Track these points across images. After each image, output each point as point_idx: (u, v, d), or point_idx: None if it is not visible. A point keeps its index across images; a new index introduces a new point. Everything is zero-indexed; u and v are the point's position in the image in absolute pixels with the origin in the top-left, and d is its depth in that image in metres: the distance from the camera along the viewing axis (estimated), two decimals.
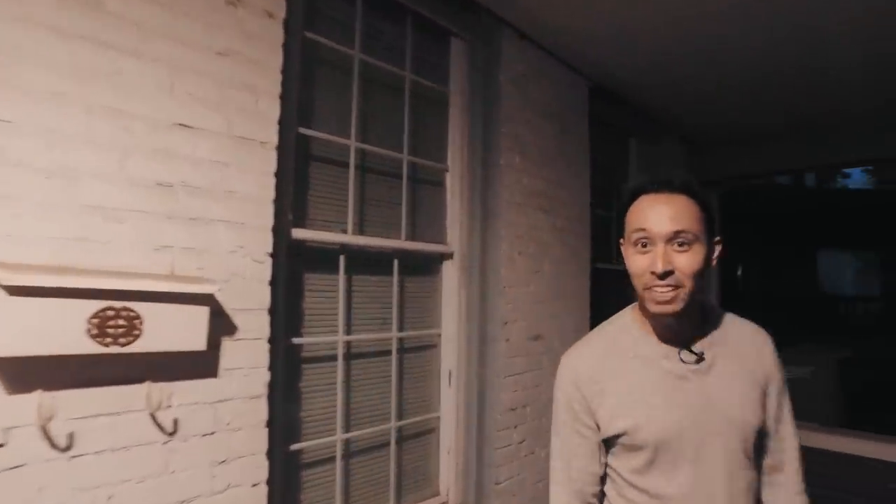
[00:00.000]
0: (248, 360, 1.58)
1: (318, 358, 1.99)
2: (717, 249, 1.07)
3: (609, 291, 3.55)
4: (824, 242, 11.16)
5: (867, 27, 2.61)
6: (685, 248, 1.00)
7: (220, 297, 1.51)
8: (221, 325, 1.52)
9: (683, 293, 1.00)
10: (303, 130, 1.92)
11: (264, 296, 1.62)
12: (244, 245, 1.58)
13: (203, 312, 1.41)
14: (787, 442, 1.11)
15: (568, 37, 2.69)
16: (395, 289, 2.24)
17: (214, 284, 1.45)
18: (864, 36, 2.73)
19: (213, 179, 1.52)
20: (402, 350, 2.29)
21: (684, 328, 1.07)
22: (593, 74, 3.12)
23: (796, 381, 4.55)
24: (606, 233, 3.70)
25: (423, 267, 2.41)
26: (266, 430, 1.61)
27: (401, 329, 2.27)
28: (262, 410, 1.60)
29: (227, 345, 1.54)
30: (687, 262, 0.99)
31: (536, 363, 2.67)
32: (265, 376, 1.61)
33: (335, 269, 2.04)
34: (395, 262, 2.24)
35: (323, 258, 2.02)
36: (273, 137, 1.66)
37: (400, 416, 2.25)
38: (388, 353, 2.23)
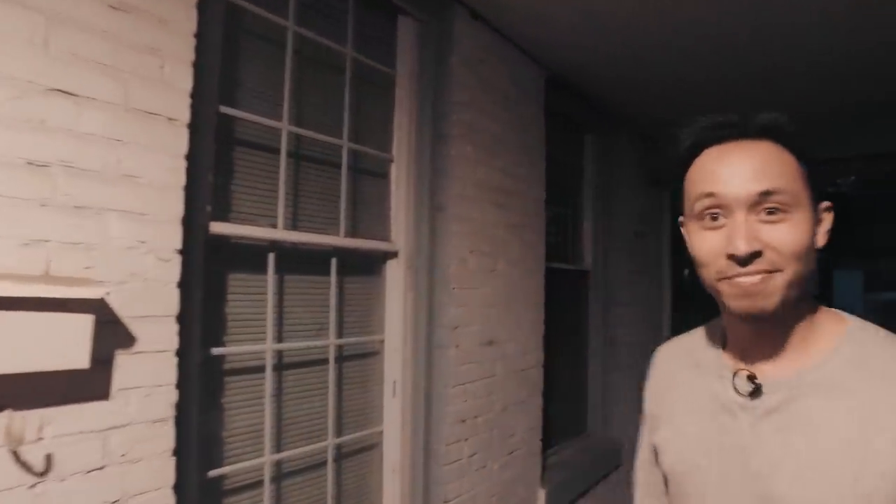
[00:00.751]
0: (149, 376, 1.32)
1: (242, 370, 1.74)
2: (828, 220, 0.73)
3: (564, 293, 3.42)
4: None
5: (829, 31, 2.56)
6: (779, 216, 0.68)
7: (112, 303, 1.25)
8: (115, 335, 1.26)
9: (783, 281, 0.67)
10: (225, 109, 1.66)
11: (171, 300, 1.36)
12: (146, 240, 1.32)
13: (86, 322, 1.15)
14: None
15: (525, 19, 2.52)
16: (333, 291, 2.01)
17: (102, 287, 1.19)
18: (825, 41, 2.69)
19: (104, 160, 1.26)
20: (341, 359, 2.06)
21: (768, 341, 0.73)
22: (551, 63, 2.96)
23: None
24: (562, 230, 3.58)
25: (365, 267, 2.19)
26: (173, 458, 1.36)
27: (339, 335, 2.04)
28: (167, 436, 1.35)
29: (122, 360, 1.28)
30: (783, 236, 0.67)
31: (489, 370, 2.49)
32: (172, 395, 1.36)
33: (263, 269, 1.79)
34: (334, 262, 2.01)
35: (249, 257, 1.77)
36: (184, 113, 1.40)
37: (338, 433, 2.02)
38: (325, 362, 1.99)
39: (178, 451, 1.37)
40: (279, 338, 1.84)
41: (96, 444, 1.22)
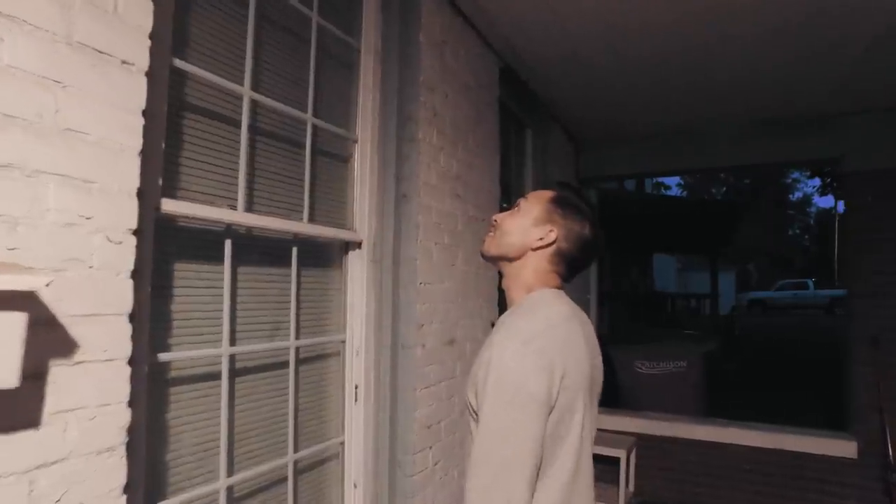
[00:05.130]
0: (95, 393, 1.02)
1: (192, 378, 1.45)
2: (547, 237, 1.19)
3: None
4: (657, 245, 12.36)
5: (752, 48, 2.68)
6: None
7: (45, 297, 0.95)
8: (50, 340, 0.96)
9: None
10: (179, 64, 1.37)
11: (124, 294, 1.07)
12: (92, 215, 1.02)
13: (14, 323, 0.84)
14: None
15: (485, 5, 2.39)
16: (294, 285, 1.75)
17: (39, 276, 0.89)
18: (744, 56, 2.82)
19: (39, 107, 0.94)
20: (300, 362, 1.81)
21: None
22: (504, 52, 2.86)
23: (674, 374, 4.81)
24: None
25: (325, 257, 1.94)
26: (123, 498, 1.06)
27: (299, 336, 1.79)
28: (116, 470, 1.05)
29: (59, 373, 0.97)
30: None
31: (450, 371, 2.33)
32: (123, 417, 1.06)
33: (219, 258, 1.51)
34: (295, 251, 1.75)
35: (203, 243, 1.48)
36: (142, 57, 1.11)
37: (297, 447, 1.76)
38: (285, 366, 1.73)
39: (129, 487, 1.08)
40: (233, 340, 1.56)
41: (20, 490, 0.91)
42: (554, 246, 1.19)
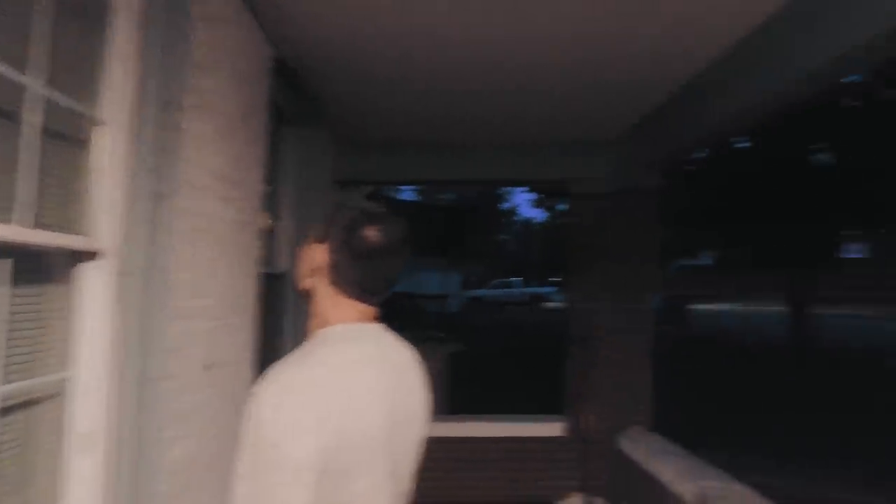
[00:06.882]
0: None
1: None
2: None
3: (273, 299, 3.08)
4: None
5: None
6: None
7: None
8: None
9: None
10: None
11: None
12: None
13: None
14: None
15: None
16: (6, 309, 1.29)
17: None
18: (503, 92, 3.14)
19: None
20: (6, 411, 1.34)
21: None
22: (281, 44, 2.62)
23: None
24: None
25: (46, 273, 1.49)
26: None
27: (8, 377, 1.32)
28: None
29: None
30: None
31: (206, 402, 2.02)
32: None
33: None
34: (11, 264, 1.29)
35: None
36: None
37: None
38: None
39: None
40: None
41: None
42: (329, 264, 1.05)
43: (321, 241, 1.06)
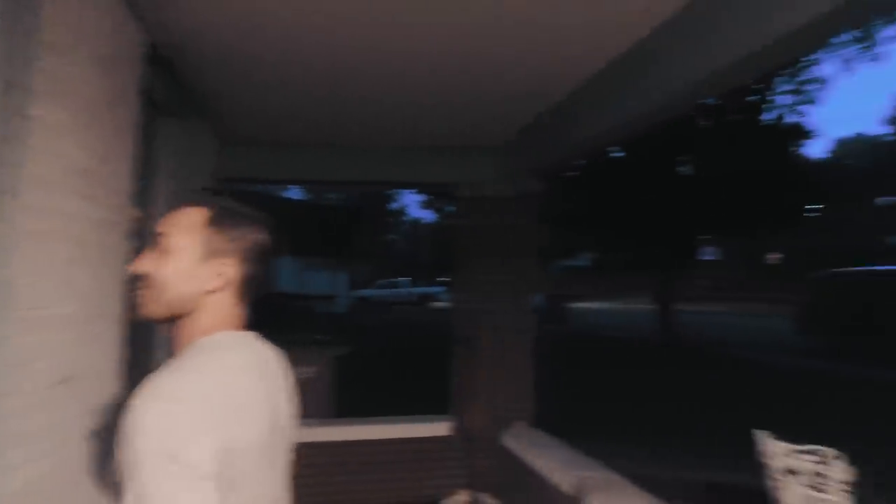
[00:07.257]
0: None
1: None
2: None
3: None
4: (282, 248, 12.57)
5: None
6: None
7: None
8: None
9: None
10: None
11: None
12: None
13: None
14: None
15: None
16: None
17: None
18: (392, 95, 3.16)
19: None
20: None
21: None
22: (155, 29, 2.43)
23: (304, 381, 4.87)
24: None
25: None
26: None
27: None
28: None
29: None
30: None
31: (60, 420, 1.82)
32: None
33: None
34: None
35: None
36: None
37: None
38: None
39: None
40: None
41: None
42: (242, 278, 1.04)
43: (210, 256, 1.00)
